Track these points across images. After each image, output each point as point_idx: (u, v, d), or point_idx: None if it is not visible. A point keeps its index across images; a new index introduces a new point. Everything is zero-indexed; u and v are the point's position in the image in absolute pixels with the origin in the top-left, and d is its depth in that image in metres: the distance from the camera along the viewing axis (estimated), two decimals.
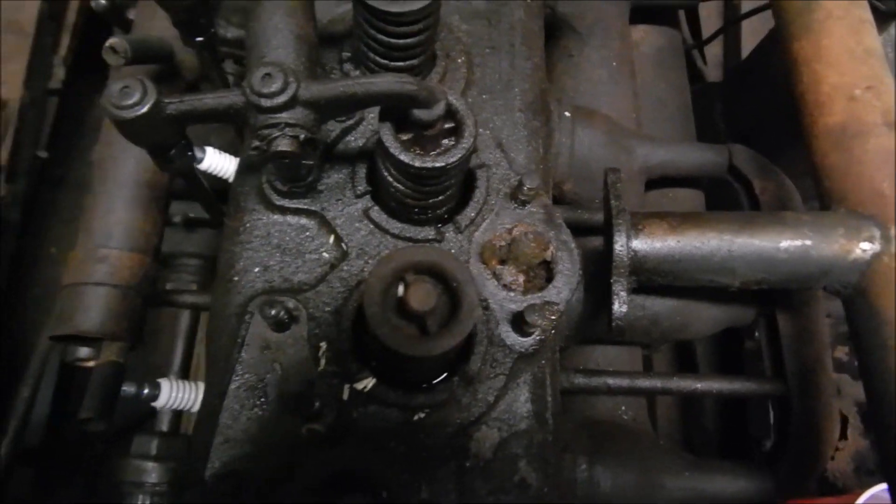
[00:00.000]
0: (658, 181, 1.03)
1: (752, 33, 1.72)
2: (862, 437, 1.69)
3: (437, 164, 0.62)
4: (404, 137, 0.63)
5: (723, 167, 0.97)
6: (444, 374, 0.67)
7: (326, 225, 0.73)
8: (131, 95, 0.56)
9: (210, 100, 0.58)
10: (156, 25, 0.96)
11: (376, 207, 0.73)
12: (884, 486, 1.27)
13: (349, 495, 0.59)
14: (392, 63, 0.74)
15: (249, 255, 0.72)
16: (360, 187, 0.74)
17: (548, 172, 0.82)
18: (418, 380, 0.66)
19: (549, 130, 0.85)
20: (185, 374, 1.57)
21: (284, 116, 0.57)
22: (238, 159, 0.81)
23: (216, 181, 0.88)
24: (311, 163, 0.64)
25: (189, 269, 1.58)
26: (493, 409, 0.68)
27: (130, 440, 1.22)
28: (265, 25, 0.61)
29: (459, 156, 0.62)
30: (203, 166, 0.82)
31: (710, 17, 1.96)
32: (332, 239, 0.73)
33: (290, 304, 0.67)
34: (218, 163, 0.83)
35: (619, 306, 0.70)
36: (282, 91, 0.56)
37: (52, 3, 1.91)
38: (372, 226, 0.73)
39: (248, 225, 0.74)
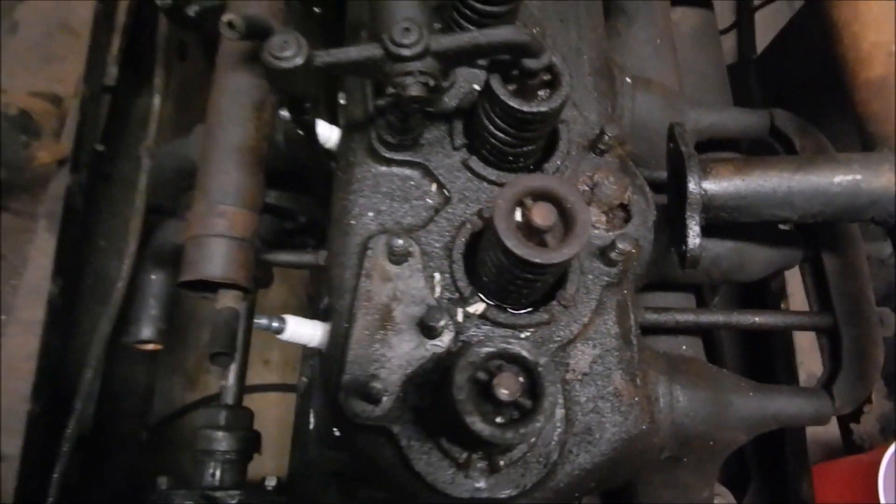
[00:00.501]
0: (701, 146, 1.13)
1: (763, 24, 1.84)
2: (886, 399, 1.78)
3: (542, 109, 0.71)
4: (509, 88, 0.73)
5: (765, 129, 1.06)
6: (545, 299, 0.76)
7: (429, 174, 0.83)
8: (289, 48, 0.65)
9: (353, 52, 0.67)
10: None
11: (474, 157, 0.82)
12: None
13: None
14: (480, 20, 0.83)
15: (362, 201, 0.82)
16: (457, 140, 0.83)
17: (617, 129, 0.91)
18: (524, 302, 0.75)
19: (613, 93, 0.95)
20: (246, 346, 1.66)
21: (417, 65, 0.66)
22: None
23: None
24: (431, 109, 0.74)
25: None
26: (587, 329, 0.77)
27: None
28: None
29: (560, 101, 0.72)
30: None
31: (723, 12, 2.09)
32: (434, 186, 0.83)
33: (405, 240, 0.76)
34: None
35: (693, 238, 0.79)
36: (417, 42, 0.65)
37: (105, 4, 2.02)
38: (470, 174, 0.82)
39: (359, 176, 0.83)
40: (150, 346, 1.82)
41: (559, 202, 0.65)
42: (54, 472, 1.60)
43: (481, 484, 0.68)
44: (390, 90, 0.68)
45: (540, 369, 0.59)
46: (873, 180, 0.78)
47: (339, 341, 0.75)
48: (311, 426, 1.61)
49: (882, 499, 1.29)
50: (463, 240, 0.77)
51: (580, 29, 0.95)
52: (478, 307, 0.75)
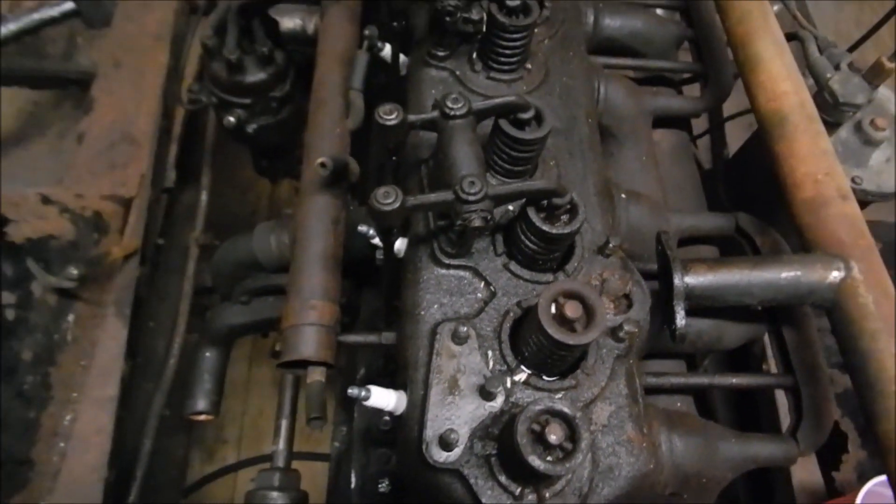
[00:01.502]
0: (683, 241, 1.41)
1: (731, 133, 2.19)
2: (861, 448, 2.00)
3: (566, 231, 0.99)
4: (540, 216, 1.01)
5: (731, 229, 1.35)
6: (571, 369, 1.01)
7: (478, 275, 1.09)
8: (389, 196, 0.93)
9: (433, 197, 0.95)
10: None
11: (512, 262, 1.09)
12: (879, 478, 1.58)
13: None
14: (514, 168, 1.12)
15: (429, 297, 1.08)
16: (499, 249, 1.10)
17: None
18: (557, 371, 1.00)
19: (613, 207, 1.24)
20: (292, 413, 1.86)
21: (480, 206, 0.94)
22: None
23: None
24: (489, 233, 1.01)
25: None
26: (604, 391, 1.02)
27: None
28: (458, 151, 0.99)
29: (579, 224, 1.00)
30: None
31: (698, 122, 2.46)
32: (482, 284, 1.09)
33: (464, 326, 1.02)
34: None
35: (680, 320, 1.06)
36: (480, 191, 0.94)
37: (166, 120, 2.34)
38: (510, 274, 1.09)
39: (425, 277, 1.10)
40: (203, 417, 2.04)
41: (583, 299, 0.91)
42: None
43: None
44: (459, 222, 0.96)
45: (577, 420, 0.83)
46: (810, 275, 1.06)
47: (417, 405, 1.00)
48: (353, 485, 1.81)
49: None
50: (508, 325, 1.03)
51: (585, 161, 1.24)
52: (521, 376, 1.00)
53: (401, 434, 1.00)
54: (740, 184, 1.59)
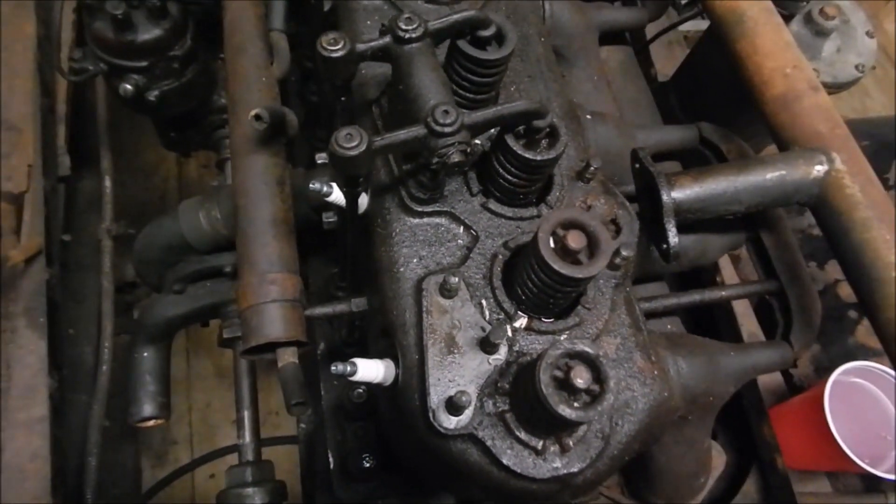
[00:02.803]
0: None
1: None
2: (816, 342, 2.09)
3: (550, 156, 0.90)
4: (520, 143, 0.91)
5: (695, 140, 1.31)
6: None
7: (456, 219, 0.99)
8: (353, 139, 0.80)
9: (402, 134, 0.83)
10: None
11: (491, 200, 0.99)
12: (844, 367, 1.64)
13: None
14: (477, 97, 1.01)
15: (405, 251, 0.96)
16: (474, 188, 1.00)
17: None
18: (558, 310, 0.92)
19: (582, 130, 1.15)
20: (253, 403, 1.72)
21: (457, 137, 0.83)
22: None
23: None
24: (466, 169, 0.90)
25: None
26: (607, 325, 0.95)
27: None
28: (421, 79, 0.87)
29: (563, 148, 0.90)
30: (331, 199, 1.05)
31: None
32: (461, 229, 0.99)
33: (454, 277, 0.92)
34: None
35: (673, 238, 1.00)
36: (455, 121, 0.82)
37: (47, 98, 2.04)
38: (490, 214, 0.99)
39: (398, 229, 0.98)
40: (153, 423, 1.85)
41: (584, 228, 0.83)
42: None
43: (558, 463, 0.84)
44: (435, 160, 0.84)
45: (601, 359, 0.76)
46: (794, 173, 1.02)
47: (413, 371, 0.89)
48: (332, 465, 1.70)
49: (830, 422, 1.56)
50: (498, 269, 0.94)
51: (546, 81, 1.14)
52: (522, 322, 0.91)
53: (399, 404, 0.90)
54: (692, 94, 1.55)
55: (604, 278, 0.97)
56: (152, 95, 1.72)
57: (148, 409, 1.75)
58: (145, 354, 1.79)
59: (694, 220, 1.05)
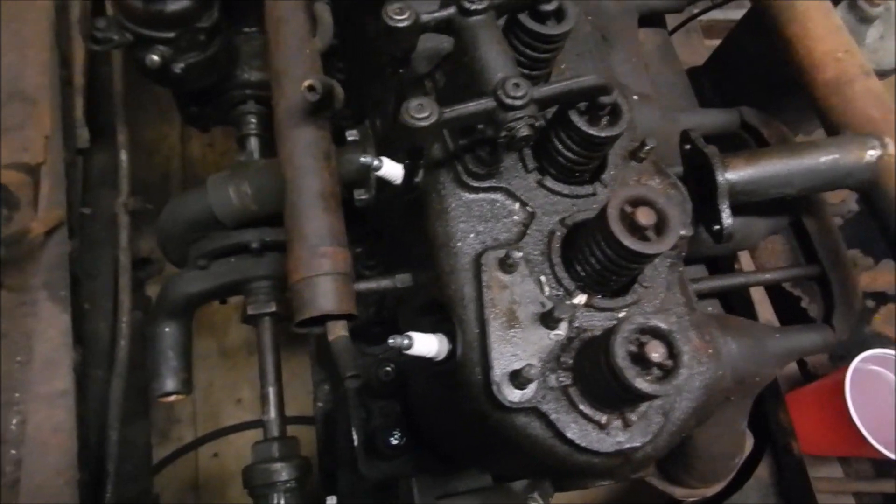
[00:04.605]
0: None
1: None
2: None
3: (615, 133, 0.89)
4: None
5: (736, 124, 1.31)
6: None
7: (512, 195, 0.98)
8: (424, 110, 0.79)
9: (472, 106, 0.82)
10: None
11: (547, 177, 0.98)
12: (865, 354, 1.67)
13: None
14: (532, 73, 1.00)
15: (461, 226, 0.96)
16: (529, 164, 0.99)
17: None
18: (616, 288, 0.92)
19: (631, 109, 1.15)
20: (278, 380, 1.72)
21: (526, 111, 0.82)
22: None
23: None
24: (529, 142, 0.89)
25: (263, 291, 1.74)
26: (664, 303, 0.95)
27: None
28: (488, 52, 0.86)
29: (627, 124, 0.90)
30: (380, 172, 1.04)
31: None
32: (517, 205, 0.98)
33: (516, 252, 0.91)
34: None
35: (727, 219, 1.00)
36: (525, 94, 0.81)
37: (64, 69, 2.00)
38: (545, 191, 0.98)
39: (453, 205, 0.97)
40: (174, 398, 1.84)
41: (652, 204, 0.83)
42: None
43: (621, 438, 0.84)
44: (504, 133, 0.83)
45: (674, 334, 0.76)
46: (847, 157, 1.03)
47: (473, 345, 0.89)
48: (356, 442, 1.70)
49: (851, 408, 1.58)
50: (557, 245, 0.94)
51: (594, 61, 1.14)
52: (581, 298, 0.92)
53: (458, 378, 0.90)
54: (727, 79, 1.55)
55: (659, 257, 0.97)
56: (178, 68, 1.69)
57: (170, 384, 1.74)
58: (166, 330, 1.77)
59: (743, 202, 1.06)
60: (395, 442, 1.51)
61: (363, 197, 1.36)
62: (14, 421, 1.57)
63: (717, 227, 1.01)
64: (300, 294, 0.99)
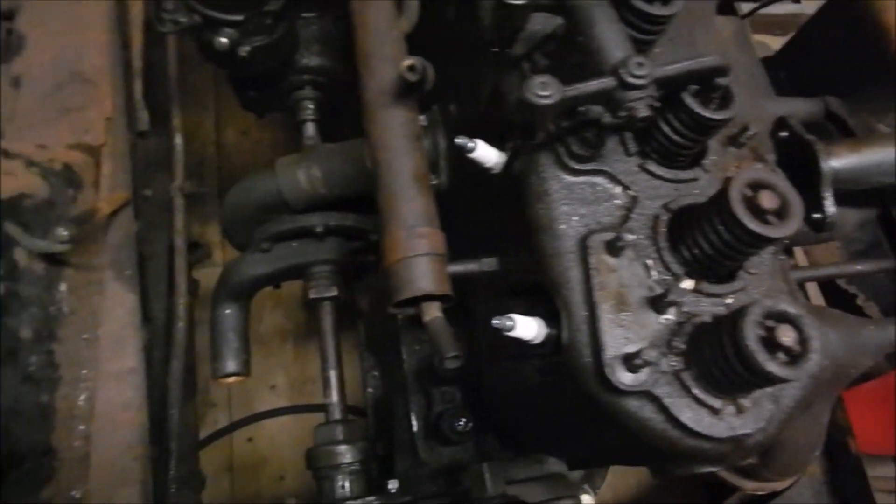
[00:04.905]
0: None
1: None
2: None
3: (726, 115, 0.88)
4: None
5: (821, 114, 1.29)
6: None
7: (613, 179, 0.97)
8: (548, 88, 0.78)
9: (593, 85, 0.81)
10: None
11: (649, 161, 0.98)
12: None
13: None
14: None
15: (564, 209, 0.95)
16: (631, 148, 0.98)
17: None
18: (723, 274, 0.91)
19: None
20: (339, 363, 1.72)
21: (648, 91, 0.81)
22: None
23: None
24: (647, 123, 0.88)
25: (325, 275, 1.74)
26: (769, 290, 0.94)
27: None
28: (605, 31, 0.85)
29: (738, 109, 0.89)
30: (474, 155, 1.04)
31: None
32: (619, 189, 0.98)
33: (628, 235, 0.91)
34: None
35: (830, 207, 0.99)
36: (648, 74, 0.80)
37: (123, 51, 2.01)
38: (648, 175, 0.98)
39: (554, 188, 0.96)
40: (233, 379, 1.86)
41: (774, 188, 0.82)
42: None
43: (735, 424, 0.84)
44: (623, 113, 0.82)
45: (804, 319, 0.75)
46: None
47: (581, 327, 0.89)
48: (415, 427, 1.70)
49: None
50: (663, 230, 0.93)
51: (685, 46, 1.13)
52: (688, 283, 0.91)
53: (565, 361, 0.90)
54: (805, 69, 1.53)
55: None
56: (243, 51, 1.69)
57: (231, 364, 1.75)
58: (227, 312, 1.79)
59: (845, 190, 1.04)
60: (460, 427, 1.52)
61: (434, 182, 1.35)
62: (82, 397, 1.59)
63: (819, 215, 1.00)
64: (398, 274, 0.99)
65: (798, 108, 1.29)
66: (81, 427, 1.56)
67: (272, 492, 3.02)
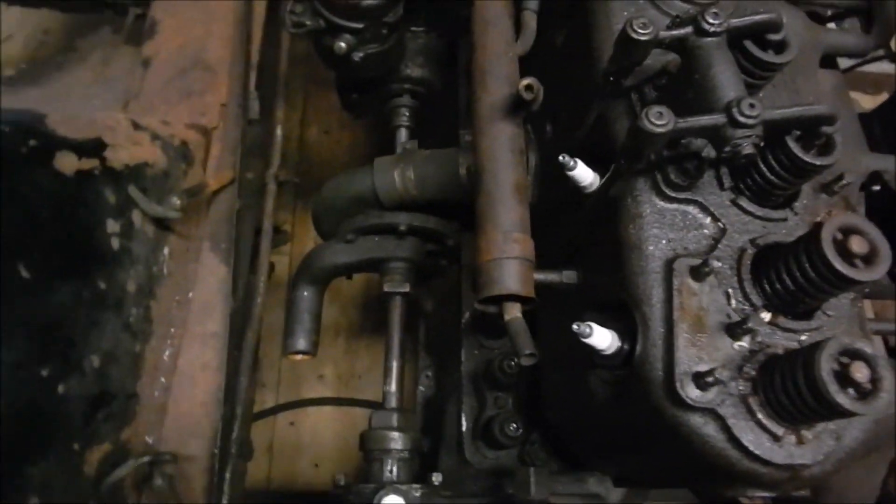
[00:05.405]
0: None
1: None
2: None
3: (827, 162, 0.94)
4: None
5: None
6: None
7: (704, 209, 1.03)
8: (664, 118, 0.86)
9: (703, 120, 0.88)
10: None
11: (741, 197, 1.03)
12: None
13: None
14: None
15: (654, 231, 1.02)
16: (725, 182, 1.04)
17: None
18: (801, 312, 0.96)
19: None
20: (402, 355, 1.81)
21: (755, 130, 0.88)
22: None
23: None
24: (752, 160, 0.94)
25: (400, 272, 1.84)
26: (843, 333, 0.98)
27: None
28: (722, 71, 0.92)
29: (838, 157, 0.94)
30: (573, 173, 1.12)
31: None
32: (709, 220, 1.04)
33: (715, 262, 0.97)
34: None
35: None
36: (759, 115, 0.87)
37: (244, 45, 2.19)
38: (738, 210, 1.03)
39: (647, 211, 1.03)
40: (301, 357, 1.97)
41: (864, 234, 0.86)
42: (226, 472, 1.74)
43: (794, 452, 0.88)
44: (727, 148, 0.89)
45: (878, 360, 0.80)
46: None
47: (657, 343, 0.95)
48: (465, 427, 1.77)
49: None
50: (748, 262, 0.98)
51: (789, 92, 1.18)
52: (766, 315, 0.96)
53: (637, 373, 0.96)
54: None
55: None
56: (357, 56, 1.83)
57: (302, 343, 1.87)
58: (305, 294, 1.91)
59: None
60: (511, 432, 1.58)
61: None
62: (167, 353, 1.72)
63: None
64: (488, 273, 1.07)
65: (891, 164, 1.32)
66: (163, 380, 1.69)
67: (306, 478, 3.11)
